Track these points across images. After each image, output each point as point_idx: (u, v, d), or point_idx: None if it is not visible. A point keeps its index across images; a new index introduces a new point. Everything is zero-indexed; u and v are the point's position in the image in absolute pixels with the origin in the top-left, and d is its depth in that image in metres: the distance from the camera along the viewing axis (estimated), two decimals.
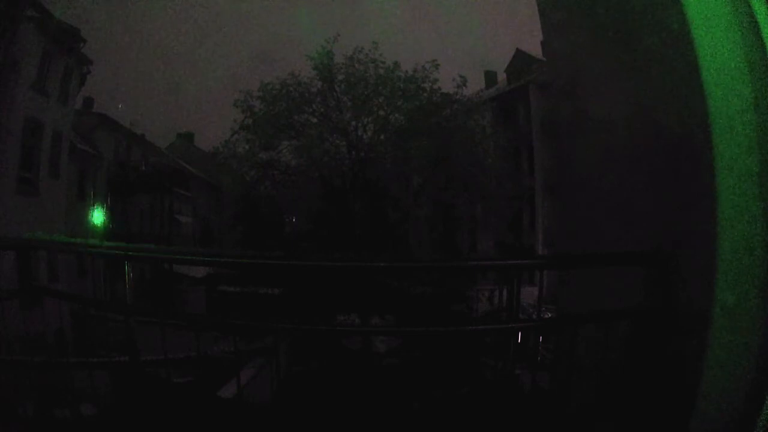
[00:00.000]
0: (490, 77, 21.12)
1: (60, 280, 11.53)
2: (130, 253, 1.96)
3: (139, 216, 18.35)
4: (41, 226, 11.65)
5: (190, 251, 1.96)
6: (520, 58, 19.47)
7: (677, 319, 1.49)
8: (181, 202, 21.05)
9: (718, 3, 1.34)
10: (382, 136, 15.69)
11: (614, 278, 1.71)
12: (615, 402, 1.64)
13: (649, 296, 1.56)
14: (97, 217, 15.61)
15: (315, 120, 15.66)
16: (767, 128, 1.30)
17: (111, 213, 16.13)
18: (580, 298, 2.10)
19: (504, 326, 1.95)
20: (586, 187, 2.06)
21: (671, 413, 1.46)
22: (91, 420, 2.42)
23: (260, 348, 9.13)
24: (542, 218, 16.92)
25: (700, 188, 1.38)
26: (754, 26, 1.30)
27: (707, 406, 1.36)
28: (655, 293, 1.55)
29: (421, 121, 15.18)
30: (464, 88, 15.83)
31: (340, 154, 15.50)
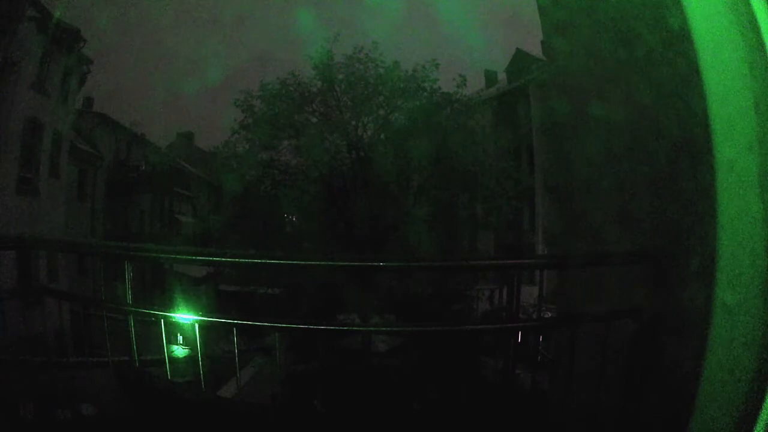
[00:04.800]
0: (490, 77, 21.07)
1: (60, 280, 11.53)
2: (130, 253, 1.96)
3: (139, 216, 18.33)
4: (41, 226, 11.66)
5: (190, 251, 1.96)
6: (520, 58, 19.43)
7: (677, 319, 1.49)
8: (181, 202, 21.03)
9: (718, 3, 1.34)
10: (382, 136, 15.67)
11: (614, 278, 1.71)
12: (615, 401, 1.63)
13: (649, 296, 1.56)
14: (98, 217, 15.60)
15: (315, 120, 15.63)
16: (767, 128, 1.30)
17: (111, 213, 16.12)
18: (580, 298, 2.10)
19: (504, 326, 1.95)
20: (586, 187, 2.06)
21: (671, 413, 1.46)
22: (91, 420, 2.42)
23: (260, 348, 9.13)
24: (542, 218, 16.90)
25: (700, 188, 1.38)
26: (754, 26, 1.30)
27: (707, 406, 1.36)
28: (655, 293, 1.55)
29: (421, 120, 15.16)
30: (464, 87, 15.78)
31: (340, 153, 15.47)
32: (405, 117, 15.57)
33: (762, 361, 1.30)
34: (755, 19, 1.29)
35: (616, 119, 1.76)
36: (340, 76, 15.36)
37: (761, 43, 1.29)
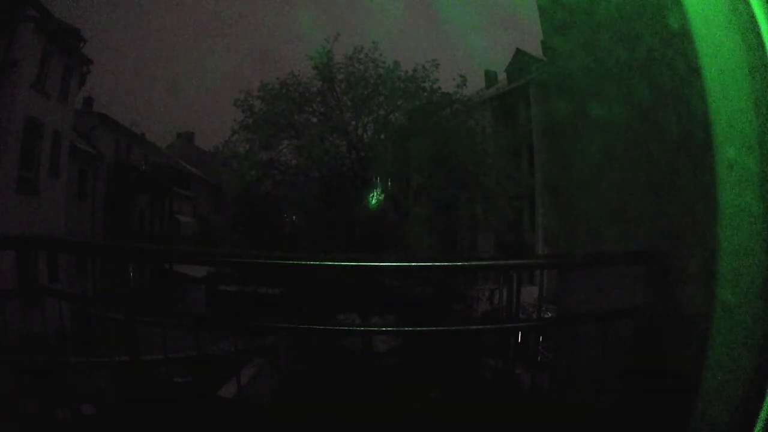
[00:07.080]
0: (490, 77, 21.08)
1: (60, 280, 11.53)
2: (130, 253, 1.96)
3: (139, 216, 18.33)
4: (41, 226, 11.67)
5: (190, 251, 1.96)
6: (520, 58, 19.43)
7: (677, 319, 1.49)
8: (181, 202, 21.03)
9: (718, 3, 1.34)
10: (382, 136, 15.69)
11: (614, 278, 1.71)
12: (615, 402, 1.63)
13: (649, 296, 1.56)
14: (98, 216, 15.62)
15: (315, 120, 15.66)
16: (767, 128, 1.30)
17: (111, 213, 16.12)
18: (580, 298, 2.10)
19: (504, 326, 1.95)
20: (586, 187, 2.06)
21: (671, 413, 1.46)
22: (91, 420, 2.42)
23: (260, 348, 9.14)
24: (542, 218, 16.90)
25: (700, 188, 1.38)
26: (754, 26, 1.30)
27: (707, 406, 1.36)
28: (655, 293, 1.55)
29: (421, 120, 15.17)
30: (464, 88, 15.80)
31: (340, 153, 15.49)
32: (405, 117, 15.60)
33: (762, 361, 1.30)
34: (755, 20, 1.29)
35: (616, 119, 1.76)
36: (340, 76, 15.38)
37: (761, 44, 1.29)
